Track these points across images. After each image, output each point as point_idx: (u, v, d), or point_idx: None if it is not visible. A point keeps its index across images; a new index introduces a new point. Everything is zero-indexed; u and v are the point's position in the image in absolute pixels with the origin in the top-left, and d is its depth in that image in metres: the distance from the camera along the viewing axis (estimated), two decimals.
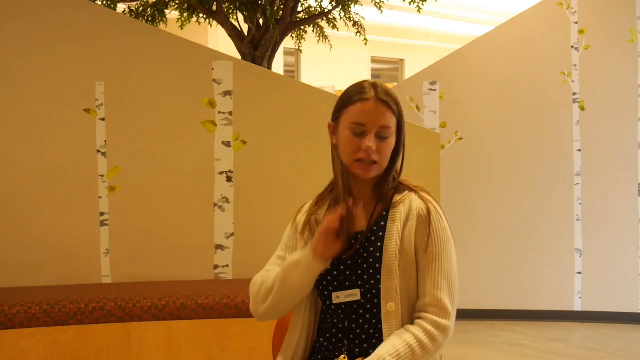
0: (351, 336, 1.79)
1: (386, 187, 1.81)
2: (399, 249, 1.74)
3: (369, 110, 1.74)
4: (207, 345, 3.28)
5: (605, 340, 4.96)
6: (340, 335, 1.80)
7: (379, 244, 1.77)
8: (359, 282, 1.77)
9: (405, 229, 1.76)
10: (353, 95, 1.78)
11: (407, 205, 1.79)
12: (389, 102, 1.76)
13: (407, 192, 1.82)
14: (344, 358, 1.78)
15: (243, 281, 3.78)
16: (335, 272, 1.80)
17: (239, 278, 3.93)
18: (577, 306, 5.48)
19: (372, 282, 1.76)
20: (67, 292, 3.40)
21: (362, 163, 1.76)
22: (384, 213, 1.80)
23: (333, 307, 1.81)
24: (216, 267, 3.93)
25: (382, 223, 1.79)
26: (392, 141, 1.78)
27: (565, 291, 5.51)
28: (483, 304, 5.58)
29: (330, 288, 1.81)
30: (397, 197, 1.81)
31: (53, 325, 3.14)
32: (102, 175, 3.82)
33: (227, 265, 3.93)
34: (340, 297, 1.79)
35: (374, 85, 1.78)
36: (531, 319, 5.51)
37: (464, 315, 5.45)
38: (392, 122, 1.76)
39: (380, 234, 1.78)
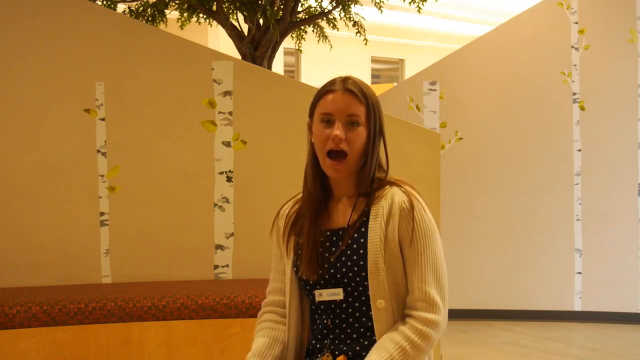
0: (342, 336, 1.77)
1: (367, 183, 1.79)
2: (383, 245, 1.73)
3: (336, 99, 1.77)
4: (207, 345, 3.27)
5: (605, 340, 4.96)
6: (325, 334, 1.80)
7: (362, 241, 1.76)
8: (345, 280, 1.76)
9: (388, 224, 1.74)
10: (323, 89, 1.81)
11: (389, 199, 1.77)
12: (356, 91, 1.77)
13: (388, 186, 1.80)
14: (328, 357, 1.77)
15: (243, 281, 3.78)
16: (320, 271, 1.79)
17: (238, 278, 3.92)
18: (577, 306, 5.47)
19: (358, 279, 1.74)
20: (67, 292, 3.39)
21: (332, 160, 1.77)
22: (366, 209, 1.78)
23: (322, 306, 1.80)
24: (216, 267, 3.93)
25: (364, 219, 1.77)
26: (362, 131, 1.77)
27: (565, 291, 5.50)
28: (483, 304, 5.58)
29: (318, 287, 1.80)
30: (378, 192, 1.79)
31: (53, 325, 3.13)
32: (102, 175, 3.82)
33: (227, 265, 3.93)
34: (322, 294, 1.79)
35: (345, 78, 1.81)
36: (531, 319, 5.51)
37: (463, 315, 5.45)
38: (360, 110, 1.76)
39: (363, 230, 1.76)
